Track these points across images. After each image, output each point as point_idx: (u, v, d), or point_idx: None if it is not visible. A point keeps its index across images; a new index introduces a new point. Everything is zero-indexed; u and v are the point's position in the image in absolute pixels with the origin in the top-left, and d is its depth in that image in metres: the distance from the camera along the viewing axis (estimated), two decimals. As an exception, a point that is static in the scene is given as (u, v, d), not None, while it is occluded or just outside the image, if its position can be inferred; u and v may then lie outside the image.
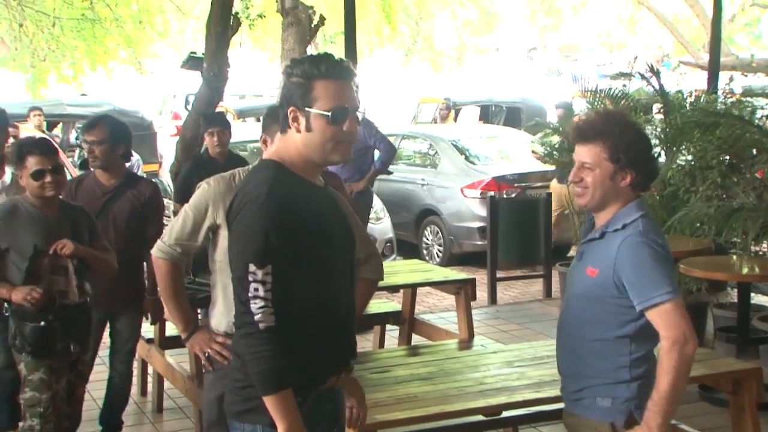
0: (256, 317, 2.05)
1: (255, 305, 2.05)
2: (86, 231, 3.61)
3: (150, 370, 5.00)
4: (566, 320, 2.58)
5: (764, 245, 5.63)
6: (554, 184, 8.37)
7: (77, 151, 11.95)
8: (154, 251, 3.08)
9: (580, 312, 2.51)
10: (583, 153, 2.48)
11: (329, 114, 2.10)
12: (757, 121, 6.27)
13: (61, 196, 3.69)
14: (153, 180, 4.51)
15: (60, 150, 3.79)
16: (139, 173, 7.79)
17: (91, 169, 4.27)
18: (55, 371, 3.45)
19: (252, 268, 2.05)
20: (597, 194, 2.47)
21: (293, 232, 2.07)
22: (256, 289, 2.05)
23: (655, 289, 2.36)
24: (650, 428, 2.36)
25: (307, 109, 2.11)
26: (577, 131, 2.52)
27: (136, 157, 8.55)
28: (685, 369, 2.37)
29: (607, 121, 2.49)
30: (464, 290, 5.02)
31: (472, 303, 5.10)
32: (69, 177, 4.56)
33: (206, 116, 5.69)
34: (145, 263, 4.11)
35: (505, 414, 3.59)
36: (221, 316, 2.95)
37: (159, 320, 4.29)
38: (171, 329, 4.61)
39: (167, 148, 11.22)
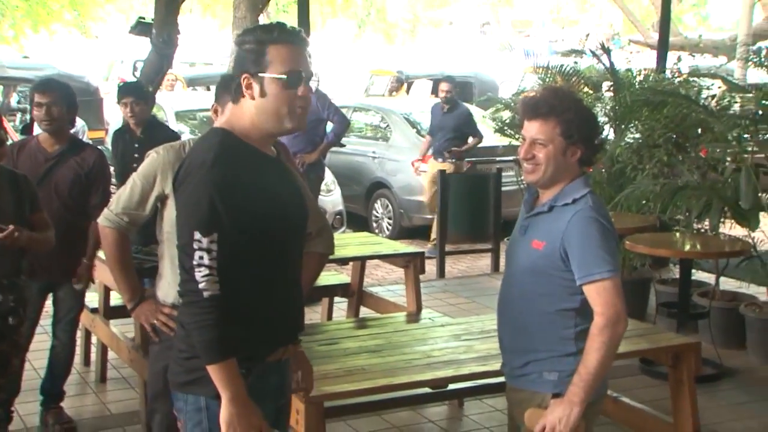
0: (200, 285, 2.02)
1: (199, 273, 2.02)
2: (27, 201, 3.46)
3: (93, 339, 4.92)
4: (509, 294, 2.59)
5: (706, 223, 5.74)
6: (432, 162, 8.47)
7: (18, 115, 11.62)
8: (101, 220, 3.02)
9: (525, 285, 2.52)
10: (535, 129, 2.47)
11: (284, 77, 2.08)
12: (702, 101, 6.37)
13: (1, 163, 3.56)
14: (98, 147, 4.40)
15: (1, 117, 3.65)
16: (85, 140, 7.60)
17: (33, 134, 4.15)
18: None
19: (197, 236, 2.02)
20: (549, 170, 2.47)
21: (240, 201, 2.05)
22: (200, 258, 2.02)
23: (597, 265, 2.38)
24: (573, 403, 2.39)
25: (260, 74, 2.08)
26: (530, 107, 2.51)
27: (81, 123, 8.34)
28: (615, 347, 2.41)
29: (560, 97, 2.49)
30: (413, 263, 5.04)
31: (421, 276, 5.13)
32: (10, 142, 4.41)
33: (120, 86, 5.55)
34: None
35: (452, 387, 3.63)
36: (168, 287, 2.91)
37: (86, 286, 4.19)
38: (116, 299, 4.53)
39: (113, 115, 10.97)
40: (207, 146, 2.11)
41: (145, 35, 6.49)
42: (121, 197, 2.99)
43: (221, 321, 2.03)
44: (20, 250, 3.37)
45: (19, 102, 12.11)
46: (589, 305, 2.43)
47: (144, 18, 6.75)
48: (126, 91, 5.26)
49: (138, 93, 5.21)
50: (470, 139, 8.55)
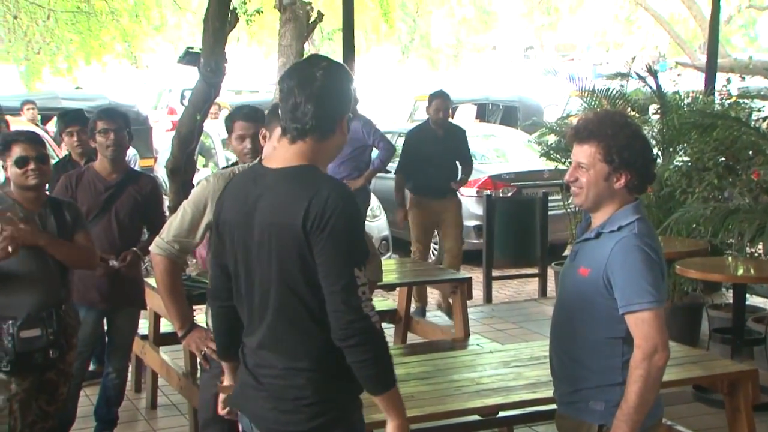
0: (373, 320, 2.08)
1: (367, 308, 2.07)
2: (73, 220, 3.48)
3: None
4: (559, 320, 2.57)
5: (759, 247, 5.63)
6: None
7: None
8: (152, 248, 3.07)
9: (573, 312, 2.50)
10: (579, 153, 2.47)
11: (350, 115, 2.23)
12: (753, 123, 6.28)
13: (50, 191, 3.64)
14: (153, 175, 4.50)
15: (52, 142, 3.73)
16: (137, 168, 7.76)
17: (83, 164, 4.25)
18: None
19: (357, 272, 2.06)
20: (591, 194, 2.46)
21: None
22: (363, 293, 2.07)
23: (638, 295, 2.34)
24: None
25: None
26: (573, 131, 2.52)
27: (133, 151, 8.51)
28: (654, 380, 2.36)
29: (601, 122, 2.48)
30: (460, 289, 5.02)
31: (468, 302, 5.10)
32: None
33: (60, 115, 5.17)
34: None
35: (502, 414, 3.59)
36: None
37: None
38: (165, 326, 4.59)
39: (162, 143, 11.18)
40: (333, 185, 2.12)
41: (194, 65, 6.62)
42: (172, 225, 3.03)
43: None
44: (63, 279, 3.39)
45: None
46: None
47: (192, 48, 6.89)
48: (71, 119, 4.91)
49: (84, 120, 4.70)
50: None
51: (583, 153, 2.46)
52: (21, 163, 3.31)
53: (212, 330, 2.49)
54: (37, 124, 10.28)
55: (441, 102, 6.85)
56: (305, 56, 2.31)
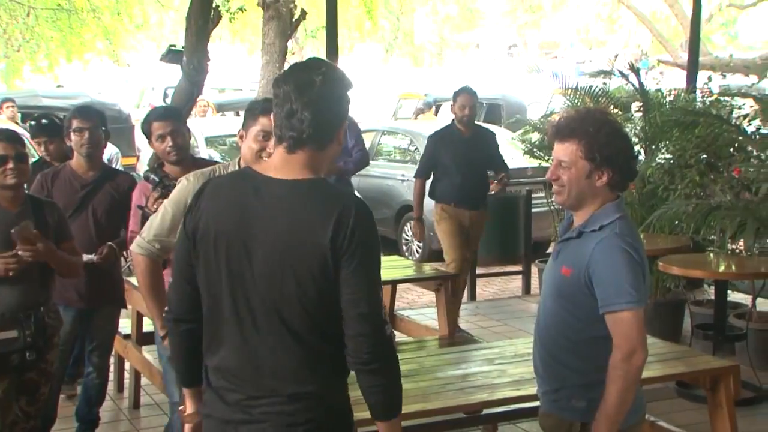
0: (394, 342, 2.05)
1: (388, 329, 2.02)
2: (54, 228, 3.45)
3: (127, 365, 4.95)
4: (542, 319, 2.56)
5: (741, 243, 5.66)
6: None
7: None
8: (133, 247, 3.06)
9: (556, 311, 2.50)
10: (560, 151, 2.46)
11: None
12: (734, 120, 6.31)
13: (27, 190, 3.60)
14: (131, 173, 4.47)
15: (29, 141, 3.70)
16: (118, 166, 7.71)
17: (58, 163, 4.21)
18: None
19: (380, 293, 2.02)
20: (573, 192, 2.45)
21: None
22: (385, 314, 2.04)
23: (618, 295, 2.34)
24: None
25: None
26: (555, 129, 2.51)
27: (115, 149, 8.46)
28: (633, 380, 2.36)
29: (583, 119, 2.46)
30: (444, 286, 5.02)
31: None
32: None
33: (32, 125, 5.23)
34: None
35: (486, 411, 3.59)
36: None
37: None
38: (148, 325, 4.56)
39: (145, 141, 11.10)
40: (357, 201, 2.06)
41: (176, 63, 6.59)
42: (153, 224, 3.01)
43: None
44: (42, 280, 3.37)
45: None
46: None
47: (175, 46, 6.86)
48: (38, 130, 4.91)
49: (51, 131, 4.73)
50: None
51: (564, 151, 2.45)
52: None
53: (173, 354, 2.28)
54: (17, 123, 10.18)
55: (466, 98, 6.07)
56: (307, 59, 2.20)
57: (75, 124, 4.04)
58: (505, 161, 6.51)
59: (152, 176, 3.45)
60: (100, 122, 4.11)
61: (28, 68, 15.54)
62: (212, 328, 2.08)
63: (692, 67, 8.39)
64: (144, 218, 3.31)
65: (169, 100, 8.24)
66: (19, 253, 3.20)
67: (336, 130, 2.05)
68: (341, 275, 1.96)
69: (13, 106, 10.40)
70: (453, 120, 6.25)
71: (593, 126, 2.43)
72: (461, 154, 6.08)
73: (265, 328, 2.00)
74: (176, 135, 3.50)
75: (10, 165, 3.28)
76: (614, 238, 2.38)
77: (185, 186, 2.99)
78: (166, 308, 2.22)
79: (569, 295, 2.44)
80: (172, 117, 3.64)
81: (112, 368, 4.54)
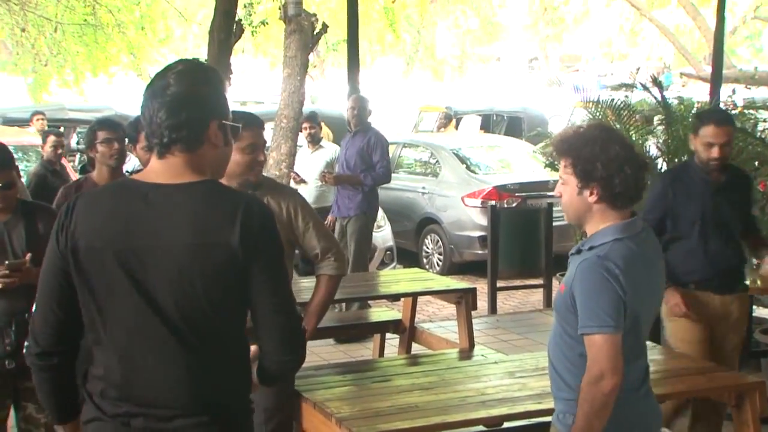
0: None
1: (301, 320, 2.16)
2: (44, 235, 3.35)
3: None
4: (550, 333, 2.58)
5: (766, 258, 5.59)
6: None
7: (77, 155, 11.95)
8: None
9: (556, 326, 2.51)
10: (561, 168, 2.46)
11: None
12: (759, 133, 6.26)
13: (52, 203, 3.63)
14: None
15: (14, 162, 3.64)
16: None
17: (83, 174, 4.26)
18: None
19: (290, 286, 2.13)
20: (570, 210, 2.43)
21: None
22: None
23: (590, 318, 2.31)
24: None
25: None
26: (553, 146, 2.50)
27: (137, 162, 8.54)
28: (600, 406, 2.31)
29: (575, 136, 2.42)
30: (465, 299, 5.00)
31: (472, 312, 5.08)
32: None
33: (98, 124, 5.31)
34: None
35: (507, 425, 3.57)
36: None
37: None
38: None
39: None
40: (254, 198, 2.11)
41: (200, 76, 6.64)
42: None
43: None
44: (26, 288, 3.26)
45: (78, 143, 12.47)
46: None
47: (198, 59, 6.92)
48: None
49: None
50: None
51: (562, 167, 2.44)
52: None
53: (41, 393, 2.09)
54: (43, 135, 10.30)
55: (718, 131, 3.97)
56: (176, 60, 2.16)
57: (102, 135, 4.07)
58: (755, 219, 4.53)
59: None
60: (124, 134, 4.17)
61: (54, 82, 15.74)
62: (105, 351, 1.94)
63: (716, 80, 8.34)
64: None
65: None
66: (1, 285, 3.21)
67: (200, 129, 1.93)
68: (252, 273, 1.91)
69: (43, 119, 10.57)
70: (693, 158, 4.15)
71: (582, 142, 2.39)
72: (711, 210, 4.07)
73: (165, 339, 1.90)
74: (121, 141, 3.82)
75: None
76: (595, 260, 2.33)
77: None
78: (26, 343, 2.05)
79: (562, 312, 2.45)
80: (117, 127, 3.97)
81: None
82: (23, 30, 14.17)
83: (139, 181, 1.96)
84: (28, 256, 3.28)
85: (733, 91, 7.85)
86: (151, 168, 1.96)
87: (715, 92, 8.10)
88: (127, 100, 17.47)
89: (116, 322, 1.93)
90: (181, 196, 1.91)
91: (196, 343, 1.91)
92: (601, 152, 2.36)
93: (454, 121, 14.14)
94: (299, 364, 2.05)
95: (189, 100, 1.91)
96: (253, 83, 20.27)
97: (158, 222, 1.89)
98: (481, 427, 3.52)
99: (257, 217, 1.92)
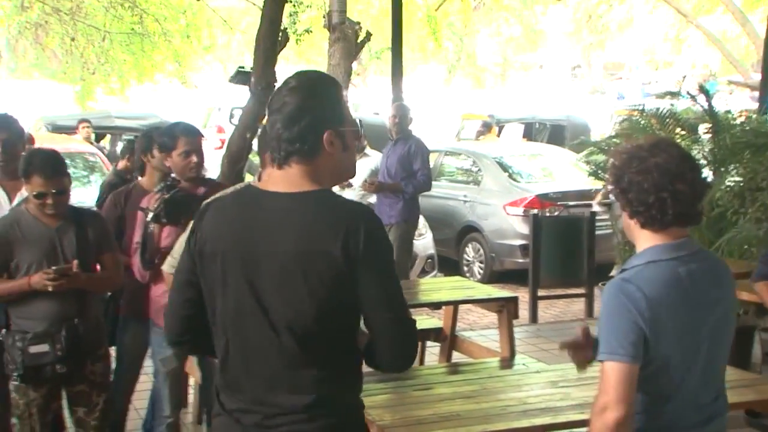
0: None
1: (413, 325, 2.08)
2: (96, 238, 3.52)
3: (191, 381, 5.03)
4: None
5: (815, 269, 5.48)
6: None
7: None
8: (165, 266, 3.22)
9: None
10: None
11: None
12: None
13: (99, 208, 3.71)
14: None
15: (104, 158, 3.75)
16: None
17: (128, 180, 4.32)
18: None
19: (402, 294, 2.06)
20: (626, 231, 2.30)
21: None
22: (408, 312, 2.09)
23: (603, 343, 2.16)
24: None
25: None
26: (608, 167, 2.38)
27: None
28: None
29: (619, 157, 2.26)
30: (507, 308, 4.98)
31: (514, 321, 5.06)
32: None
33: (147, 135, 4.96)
34: None
35: (548, 435, 3.55)
36: None
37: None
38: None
39: (211, 161, 11.34)
40: (365, 208, 2.13)
41: (245, 84, 6.73)
42: (181, 244, 3.14)
43: None
44: (77, 293, 3.44)
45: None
46: (642, 377, 2.17)
47: (243, 67, 7.01)
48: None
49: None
50: None
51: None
52: (39, 197, 3.37)
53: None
54: (91, 142, 10.52)
55: None
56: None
57: (185, 145, 3.77)
58: None
59: (160, 185, 3.65)
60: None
61: (101, 90, 16.06)
62: (226, 350, 2.06)
63: (765, 87, 8.20)
64: (145, 218, 3.49)
65: (235, 121, 8.41)
66: (48, 282, 3.31)
67: (314, 140, 2.00)
68: (361, 283, 1.96)
69: (88, 126, 10.77)
70: None
71: (622, 165, 2.22)
72: None
73: (280, 343, 1.98)
74: (200, 153, 3.74)
75: (49, 201, 3.37)
76: (617, 283, 2.17)
77: None
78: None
79: None
80: (198, 134, 3.84)
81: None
82: (73, 39, 14.50)
83: (259, 188, 2.08)
84: (75, 262, 3.37)
85: (782, 99, 7.72)
86: (272, 177, 2.07)
87: (763, 100, 7.97)
88: (171, 107, 17.78)
89: (231, 322, 2.04)
90: (292, 204, 2.01)
91: (298, 346, 1.98)
92: (639, 175, 2.17)
93: (496, 129, 14.09)
94: (409, 366, 2.11)
95: (300, 115, 2.01)
96: (296, 91, 20.40)
97: (269, 229, 1.99)
98: (522, 437, 3.51)
99: (364, 230, 1.96)
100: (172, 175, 3.76)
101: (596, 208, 8.18)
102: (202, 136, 3.85)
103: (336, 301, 1.97)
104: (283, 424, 1.99)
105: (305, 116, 2.01)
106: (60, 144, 8.43)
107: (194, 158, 3.67)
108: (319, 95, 2.05)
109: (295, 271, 1.95)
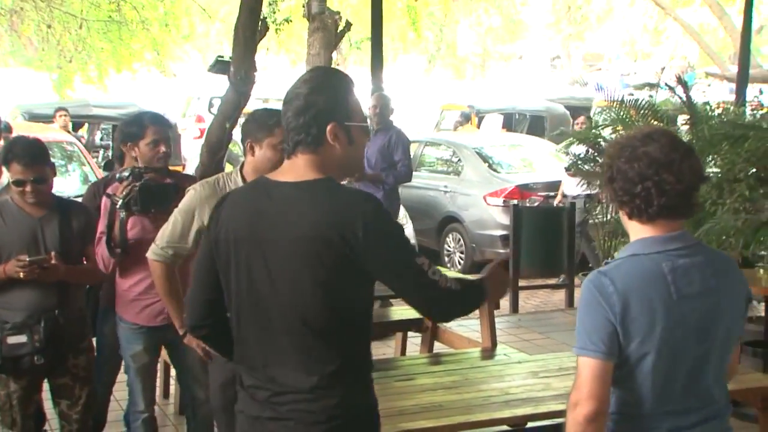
0: (449, 284, 2.12)
1: (444, 279, 2.11)
2: (81, 229, 3.50)
3: (172, 372, 5.01)
4: None
5: (792, 259, 5.55)
6: None
7: (101, 152, 12.05)
8: (150, 254, 3.21)
9: None
10: None
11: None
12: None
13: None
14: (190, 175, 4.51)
15: (82, 148, 3.71)
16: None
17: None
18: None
19: (420, 260, 2.11)
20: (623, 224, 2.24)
21: None
22: (434, 272, 2.11)
23: (576, 337, 2.09)
24: None
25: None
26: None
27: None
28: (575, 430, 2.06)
29: (605, 158, 2.21)
30: (488, 299, 5.00)
31: (494, 311, 5.07)
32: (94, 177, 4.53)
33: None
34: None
35: (531, 425, 3.57)
36: None
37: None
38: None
39: (191, 150, 11.27)
40: (364, 194, 2.18)
41: (224, 73, 6.67)
42: (165, 232, 3.18)
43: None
44: (58, 284, 3.42)
45: (101, 139, 12.57)
46: (618, 376, 2.11)
47: (222, 57, 6.95)
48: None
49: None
50: None
51: None
52: (18, 184, 3.35)
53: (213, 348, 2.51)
54: (68, 131, 10.41)
55: None
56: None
57: (153, 134, 3.71)
58: None
59: (125, 174, 3.58)
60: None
61: (78, 78, 15.87)
62: (240, 331, 2.18)
63: (742, 79, 8.27)
64: (112, 206, 3.44)
65: (214, 110, 8.35)
66: (18, 269, 3.29)
67: (318, 132, 2.10)
68: (372, 268, 2.05)
69: (65, 115, 10.65)
70: None
71: (612, 162, 2.16)
72: None
73: (287, 326, 2.08)
74: (168, 143, 3.71)
75: (28, 188, 3.34)
76: (594, 275, 2.11)
77: (193, 195, 3.17)
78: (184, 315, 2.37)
79: None
80: (167, 124, 3.83)
81: (158, 374, 4.59)
82: (49, 26, 14.31)
83: (270, 179, 2.18)
84: (53, 253, 3.33)
85: (760, 91, 7.79)
86: (282, 167, 2.19)
87: (740, 92, 8.04)
88: (149, 96, 17.62)
89: (242, 305, 2.15)
90: (298, 192, 2.10)
91: (304, 328, 2.06)
92: (626, 164, 2.10)
93: (475, 120, 14.10)
94: (459, 316, 2.24)
95: (306, 107, 2.11)
96: (275, 80, 20.33)
97: (277, 217, 2.09)
98: (504, 427, 3.52)
99: (369, 215, 2.04)
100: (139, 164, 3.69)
101: (557, 203, 8.21)
102: (171, 126, 3.81)
103: (340, 286, 2.04)
104: (288, 402, 2.08)
105: (311, 108, 2.10)
106: (37, 133, 8.29)
107: (162, 148, 3.65)
108: (327, 89, 2.13)
109: (297, 257, 2.04)
